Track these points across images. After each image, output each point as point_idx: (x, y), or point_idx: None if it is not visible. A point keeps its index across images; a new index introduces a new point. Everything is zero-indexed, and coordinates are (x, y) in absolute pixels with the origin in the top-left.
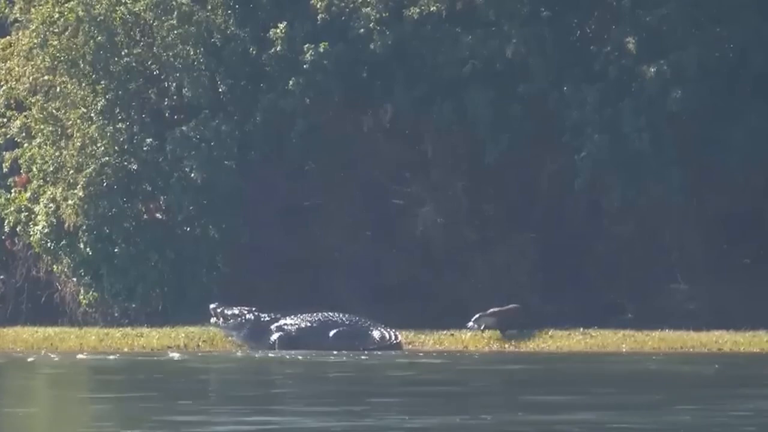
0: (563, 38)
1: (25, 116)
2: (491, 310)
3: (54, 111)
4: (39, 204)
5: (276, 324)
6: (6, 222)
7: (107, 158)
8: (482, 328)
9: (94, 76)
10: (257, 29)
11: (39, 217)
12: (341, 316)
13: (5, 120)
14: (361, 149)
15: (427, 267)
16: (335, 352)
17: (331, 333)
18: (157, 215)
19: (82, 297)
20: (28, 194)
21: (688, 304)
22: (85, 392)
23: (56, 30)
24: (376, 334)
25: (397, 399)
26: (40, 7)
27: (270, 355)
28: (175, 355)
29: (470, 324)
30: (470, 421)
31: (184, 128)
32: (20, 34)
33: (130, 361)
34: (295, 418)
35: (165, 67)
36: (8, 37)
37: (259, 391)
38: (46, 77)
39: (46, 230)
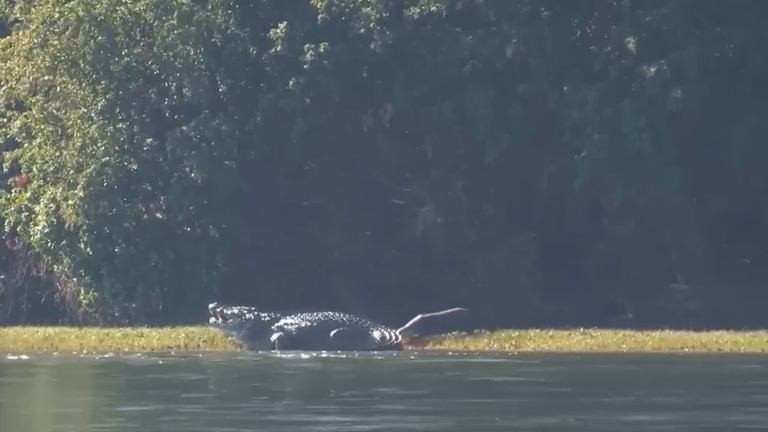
0: (563, 38)
1: (25, 116)
2: (417, 317)
3: (54, 111)
4: (39, 204)
5: (276, 324)
6: (6, 222)
7: (107, 158)
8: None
9: (94, 76)
10: (257, 29)
11: (39, 217)
12: (341, 316)
13: (5, 120)
14: (361, 149)
15: (427, 267)
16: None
17: (332, 333)
18: (158, 215)
19: (82, 297)
20: (28, 194)
21: (688, 304)
22: (190, 392)
23: (56, 30)
24: (376, 334)
25: (487, 399)
26: (41, 7)
27: (323, 355)
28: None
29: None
30: (577, 422)
31: (184, 128)
32: (20, 34)
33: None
34: (402, 417)
35: (165, 67)
36: (8, 37)
37: (360, 390)
38: (46, 77)
39: (47, 230)
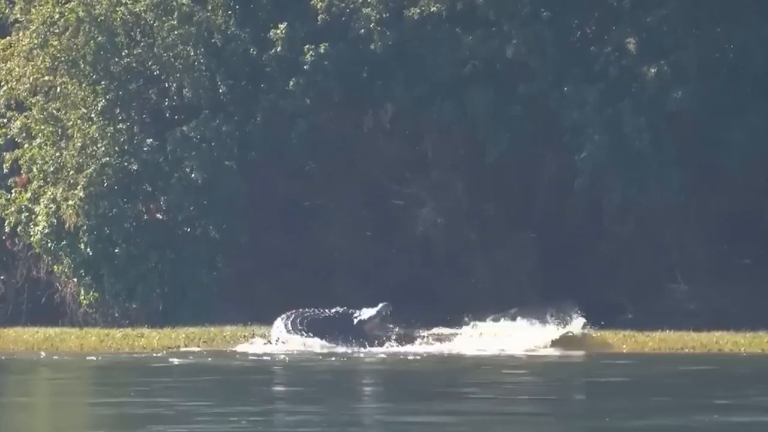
0: (563, 38)
1: (25, 117)
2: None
3: (54, 111)
4: (39, 204)
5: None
6: (6, 222)
7: (107, 159)
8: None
9: (94, 76)
10: (257, 30)
11: (39, 218)
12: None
13: (6, 120)
14: (361, 149)
15: (427, 267)
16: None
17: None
18: (158, 215)
19: (82, 297)
20: (28, 195)
21: (688, 304)
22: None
23: (57, 30)
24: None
25: (591, 400)
26: (41, 8)
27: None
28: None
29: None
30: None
31: (184, 128)
32: (21, 34)
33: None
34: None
35: (165, 67)
36: (8, 38)
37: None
38: (46, 78)
39: (47, 230)
